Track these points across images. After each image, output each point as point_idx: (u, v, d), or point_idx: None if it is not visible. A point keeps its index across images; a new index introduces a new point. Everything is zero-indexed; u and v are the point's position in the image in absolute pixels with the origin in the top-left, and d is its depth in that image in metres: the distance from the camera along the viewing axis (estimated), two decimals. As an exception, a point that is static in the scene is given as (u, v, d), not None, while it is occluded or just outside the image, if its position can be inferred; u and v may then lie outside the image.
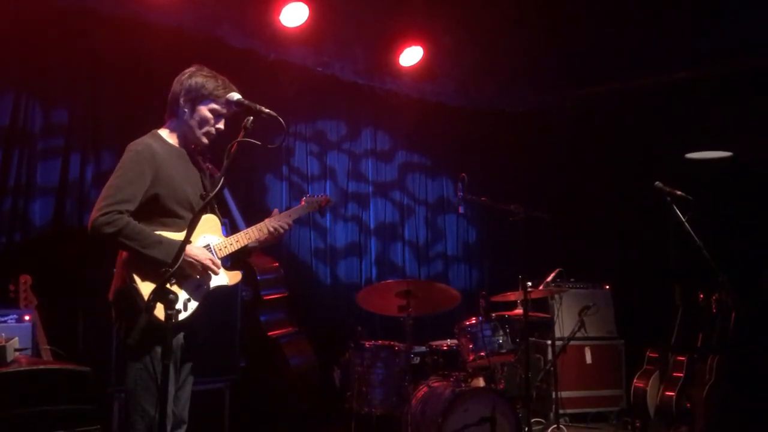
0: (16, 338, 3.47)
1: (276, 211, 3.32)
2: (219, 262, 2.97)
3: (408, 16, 5.78)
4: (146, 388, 2.79)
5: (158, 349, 2.68)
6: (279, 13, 5.38)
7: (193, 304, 2.91)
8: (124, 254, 2.84)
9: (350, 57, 6.37)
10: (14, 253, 4.57)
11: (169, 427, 2.91)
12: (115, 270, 2.91)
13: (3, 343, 3.25)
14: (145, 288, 2.76)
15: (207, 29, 5.45)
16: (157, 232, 2.84)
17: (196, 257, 2.87)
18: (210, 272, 2.92)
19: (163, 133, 3.06)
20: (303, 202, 3.56)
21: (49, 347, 4.00)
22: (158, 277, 2.48)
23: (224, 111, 3.02)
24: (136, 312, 2.68)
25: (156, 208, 2.89)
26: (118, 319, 2.86)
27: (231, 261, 3.15)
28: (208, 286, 2.99)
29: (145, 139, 2.97)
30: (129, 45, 5.07)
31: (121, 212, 2.75)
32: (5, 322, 3.89)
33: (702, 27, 5.71)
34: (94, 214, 2.74)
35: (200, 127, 3.01)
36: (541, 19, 5.66)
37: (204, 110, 2.99)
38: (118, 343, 4.19)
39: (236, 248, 3.10)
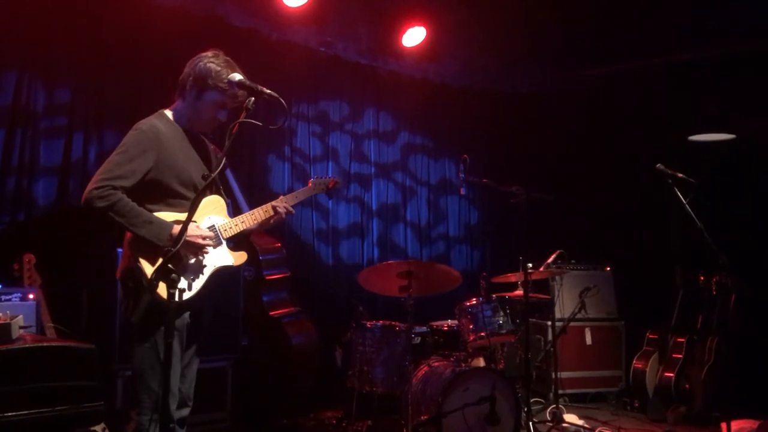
0: (21, 316, 3.49)
1: (282, 196, 3.34)
2: (212, 234, 2.97)
3: (411, -4, 5.75)
4: (152, 366, 2.83)
5: (163, 328, 2.72)
6: (281, -8, 5.36)
7: (197, 284, 2.93)
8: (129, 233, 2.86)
9: (353, 37, 6.33)
10: (18, 232, 4.58)
11: (174, 406, 2.96)
12: (122, 249, 2.94)
13: (8, 321, 3.28)
14: (148, 267, 2.79)
15: (209, 8, 5.41)
16: (155, 213, 2.86)
17: (187, 237, 2.83)
18: (203, 250, 2.92)
19: (170, 113, 3.07)
20: (310, 184, 3.58)
21: (53, 325, 4.03)
22: (156, 256, 2.48)
23: (229, 103, 3.02)
24: (141, 291, 2.75)
25: (161, 189, 2.92)
26: (126, 298, 2.88)
27: (234, 242, 3.16)
28: (206, 263, 2.98)
29: (151, 119, 2.99)
30: (132, 24, 5.04)
31: (115, 187, 2.78)
32: (10, 300, 3.92)
33: (708, 8, 5.67)
34: (90, 186, 2.79)
35: (203, 115, 3.03)
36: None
37: (208, 100, 2.99)
38: (123, 321, 4.22)
39: (241, 229, 3.12)
